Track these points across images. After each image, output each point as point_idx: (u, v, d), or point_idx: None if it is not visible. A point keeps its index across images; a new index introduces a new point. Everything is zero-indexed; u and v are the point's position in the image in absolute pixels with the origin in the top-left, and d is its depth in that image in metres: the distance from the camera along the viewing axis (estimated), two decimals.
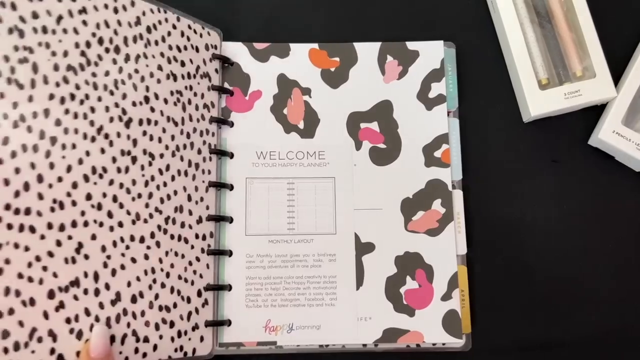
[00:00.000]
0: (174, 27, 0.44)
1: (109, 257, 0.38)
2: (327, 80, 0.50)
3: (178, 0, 0.45)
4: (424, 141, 0.50)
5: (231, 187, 0.46)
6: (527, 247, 0.49)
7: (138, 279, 0.39)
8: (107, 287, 0.37)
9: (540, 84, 0.49)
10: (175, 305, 0.41)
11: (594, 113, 0.50)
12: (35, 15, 0.37)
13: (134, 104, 0.40)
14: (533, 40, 0.49)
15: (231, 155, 0.46)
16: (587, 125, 0.51)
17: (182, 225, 0.42)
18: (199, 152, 0.44)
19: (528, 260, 0.49)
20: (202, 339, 0.42)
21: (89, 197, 0.37)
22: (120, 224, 0.38)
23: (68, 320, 0.35)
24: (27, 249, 0.34)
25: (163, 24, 0.43)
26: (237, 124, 0.47)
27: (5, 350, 0.33)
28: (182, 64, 0.44)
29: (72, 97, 0.37)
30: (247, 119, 0.47)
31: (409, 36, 0.50)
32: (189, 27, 0.45)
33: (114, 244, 0.38)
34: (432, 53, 0.50)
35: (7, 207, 0.34)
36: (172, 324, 0.40)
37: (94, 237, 0.37)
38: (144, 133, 0.41)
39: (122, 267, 0.38)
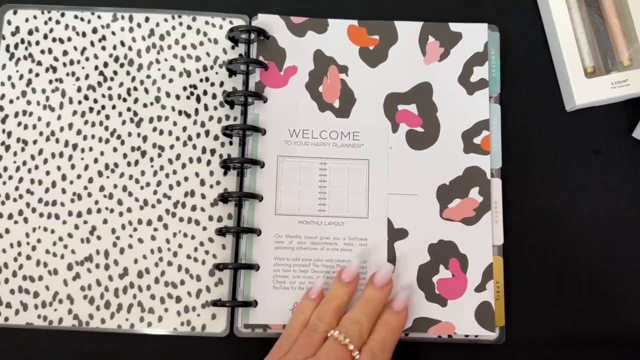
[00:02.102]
0: (189, 27, 0.48)
1: (118, 237, 0.44)
2: (365, 58, 0.48)
3: None
4: (464, 126, 0.47)
5: (262, 165, 0.45)
6: (565, 239, 0.47)
7: (144, 257, 0.44)
8: (116, 263, 0.44)
9: (585, 72, 0.47)
10: (182, 282, 0.44)
11: (638, 104, 0.48)
12: (65, 53, 0.47)
13: (144, 105, 0.46)
14: (580, 27, 0.48)
15: (263, 132, 0.46)
16: (630, 117, 0.48)
17: (193, 208, 0.45)
18: (216, 138, 0.46)
19: (566, 253, 0.47)
20: (214, 316, 0.43)
21: (102, 188, 0.45)
22: (129, 210, 0.45)
23: (82, 288, 0.44)
24: (52, 231, 0.44)
25: (177, 29, 0.47)
26: (271, 100, 0.47)
27: (36, 306, 0.43)
28: (197, 59, 0.47)
29: (91, 110, 0.46)
30: (281, 95, 0.47)
31: (450, 17, 0.49)
32: (207, 22, 0.48)
33: (123, 226, 0.45)
34: (476, 36, 0.48)
35: (40, 200, 0.45)
36: (178, 299, 0.44)
37: (105, 221, 0.45)
38: (154, 129, 0.46)
39: (130, 246, 0.44)
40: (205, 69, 0.48)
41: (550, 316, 0.45)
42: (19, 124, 0.46)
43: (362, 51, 0.47)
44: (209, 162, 0.46)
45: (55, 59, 0.47)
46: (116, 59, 0.47)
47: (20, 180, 0.46)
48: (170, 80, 0.47)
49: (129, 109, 0.47)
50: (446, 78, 0.47)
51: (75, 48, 0.48)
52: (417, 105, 0.47)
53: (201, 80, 0.47)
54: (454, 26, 0.48)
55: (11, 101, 0.47)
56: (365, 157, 0.46)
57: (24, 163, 0.46)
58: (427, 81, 0.47)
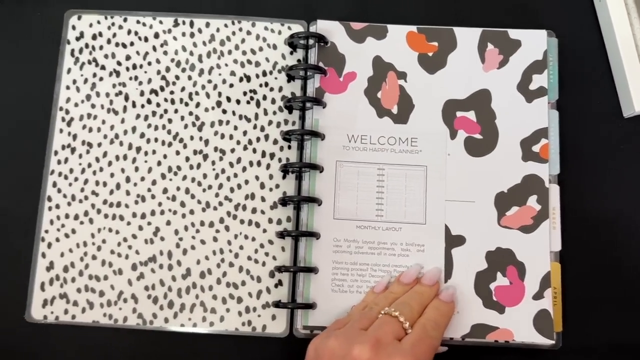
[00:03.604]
0: (249, 33, 0.48)
1: (181, 239, 0.45)
2: (424, 65, 0.48)
3: None
4: (523, 134, 0.47)
5: (321, 169, 0.46)
6: (624, 244, 0.47)
7: (207, 257, 0.45)
8: (179, 263, 0.45)
9: None
10: (243, 283, 0.44)
11: None
12: (128, 58, 0.47)
13: (206, 109, 0.47)
14: None
15: (322, 137, 0.46)
16: None
17: (254, 211, 0.46)
18: (275, 142, 0.46)
19: (625, 260, 0.46)
20: (274, 317, 0.44)
21: (165, 190, 0.46)
22: (192, 212, 0.46)
23: (146, 288, 0.45)
24: (117, 232, 0.45)
25: (237, 34, 0.48)
26: (330, 105, 0.48)
27: (101, 305, 0.44)
28: (257, 64, 0.48)
29: (154, 113, 0.47)
30: (340, 101, 0.47)
31: (507, 23, 0.49)
32: (266, 28, 0.48)
33: (185, 228, 0.45)
34: (535, 43, 0.48)
35: (105, 202, 0.46)
36: (239, 300, 0.44)
37: (168, 222, 0.45)
38: (216, 133, 0.47)
39: (192, 247, 0.45)
40: (264, 74, 0.48)
41: (607, 322, 0.45)
42: (84, 126, 0.47)
43: (421, 57, 0.48)
44: (268, 166, 0.47)
45: (119, 63, 0.48)
46: (178, 64, 0.48)
47: (86, 182, 0.46)
48: (231, 85, 0.48)
49: (190, 113, 0.47)
50: (505, 85, 0.47)
51: (137, 53, 0.48)
52: (475, 112, 0.47)
53: (261, 85, 0.48)
54: (513, 33, 0.48)
55: (76, 104, 0.48)
56: (423, 164, 0.47)
57: (89, 165, 0.47)
58: (486, 88, 0.48)
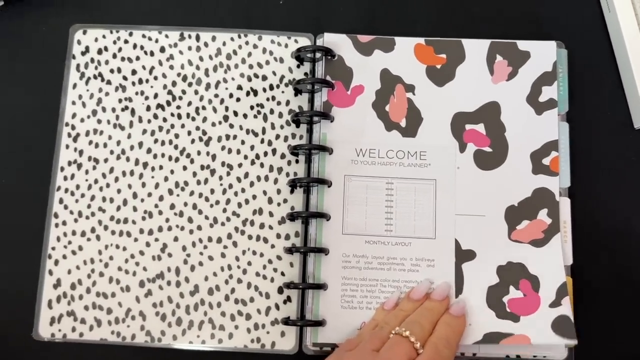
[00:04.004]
0: (255, 46, 0.48)
1: (188, 255, 0.45)
2: (432, 77, 0.48)
3: (270, 3, 0.50)
4: (533, 147, 0.47)
5: (330, 184, 0.45)
6: (637, 259, 0.46)
7: (215, 274, 0.45)
8: (187, 280, 0.44)
9: None
10: (252, 300, 0.44)
11: None
12: (134, 72, 0.47)
13: (213, 124, 0.46)
14: None
15: (330, 151, 0.45)
16: None
17: (262, 226, 0.45)
18: (282, 156, 0.45)
19: (638, 272, 0.46)
20: (283, 334, 0.44)
21: (172, 206, 0.45)
22: (199, 227, 0.45)
23: (154, 305, 0.45)
24: (124, 248, 0.45)
25: (243, 47, 0.48)
26: (338, 119, 0.47)
27: (109, 322, 0.44)
28: (264, 78, 0.47)
29: (160, 128, 0.46)
30: (348, 115, 0.47)
31: (516, 34, 0.49)
32: (272, 41, 0.48)
33: (193, 244, 0.45)
34: (544, 54, 0.48)
35: (112, 218, 0.45)
36: (248, 317, 0.44)
37: (176, 239, 0.45)
38: (223, 147, 0.46)
39: (200, 263, 0.45)
40: (271, 87, 0.48)
41: (621, 337, 0.45)
42: (90, 142, 0.47)
43: (429, 70, 0.48)
44: (276, 180, 0.46)
45: (125, 78, 0.48)
46: (184, 78, 0.48)
47: (92, 198, 0.46)
48: (238, 99, 0.47)
49: (197, 128, 0.47)
50: (514, 98, 0.47)
51: (143, 67, 0.48)
52: (485, 125, 0.47)
53: (267, 99, 0.47)
54: (522, 44, 0.48)
55: (82, 120, 0.47)
56: (433, 177, 0.46)
57: (96, 181, 0.46)
58: (495, 101, 0.47)
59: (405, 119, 0.47)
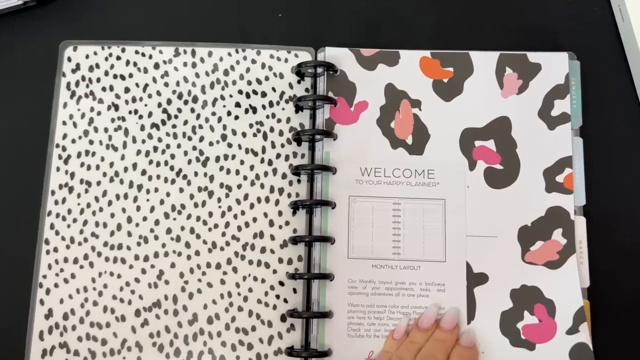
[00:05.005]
0: (254, 61, 0.46)
1: (186, 282, 0.43)
2: (439, 92, 0.46)
3: (269, 16, 0.48)
4: (545, 164, 0.45)
5: (334, 205, 0.43)
6: None
7: (214, 302, 0.42)
8: (185, 308, 0.42)
9: None
10: (253, 329, 0.42)
11: None
12: (127, 90, 0.45)
13: (210, 144, 0.44)
14: None
15: (334, 171, 0.43)
16: None
17: (263, 250, 0.43)
18: (284, 176, 0.43)
19: None
20: None
21: (169, 231, 0.43)
22: (197, 253, 0.43)
23: (151, 335, 0.42)
24: (119, 276, 0.43)
25: (241, 63, 0.45)
26: (341, 137, 0.45)
27: (104, 354, 0.41)
28: (263, 94, 0.45)
29: (155, 149, 0.44)
30: (352, 132, 0.45)
31: (526, 45, 0.47)
32: (271, 56, 0.46)
33: (191, 270, 0.43)
34: (556, 66, 0.46)
35: (105, 244, 0.43)
36: (250, 346, 0.41)
37: (173, 265, 0.43)
38: (221, 168, 0.44)
39: (199, 291, 0.42)
40: (271, 104, 0.45)
41: None
42: (82, 164, 0.45)
43: (436, 84, 0.46)
44: (277, 202, 0.44)
45: (117, 97, 0.46)
46: (180, 96, 0.45)
47: (85, 223, 0.44)
48: (236, 117, 0.45)
49: (194, 148, 0.45)
50: (526, 112, 0.45)
51: (137, 85, 0.46)
52: (495, 141, 0.45)
53: (267, 117, 0.45)
54: (533, 56, 0.46)
55: (73, 141, 0.45)
56: (441, 197, 0.44)
57: (88, 205, 0.44)
58: (506, 115, 0.45)
59: (411, 135, 0.45)
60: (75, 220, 0.44)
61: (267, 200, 0.45)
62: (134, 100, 0.46)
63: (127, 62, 0.46)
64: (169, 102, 0.46)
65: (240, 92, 0.46)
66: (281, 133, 0.46)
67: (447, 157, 0.45)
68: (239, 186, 0.45)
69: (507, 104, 0.45)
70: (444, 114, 0.45)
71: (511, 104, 0.45)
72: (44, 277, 0.43)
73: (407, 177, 0.44)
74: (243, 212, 0.44)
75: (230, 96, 0.46)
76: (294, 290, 0.43)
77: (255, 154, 0.45)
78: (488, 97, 0.45)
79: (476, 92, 0.45)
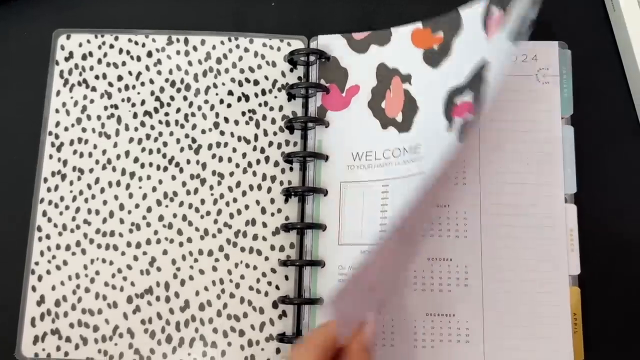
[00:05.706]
0: (246, 50, 0.45)
1: (178, 269, 0.42)
2: (428, 61, 0.44)
3: (262, 5, 0.48)
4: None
5: (325, 192, 0.43)
6: None
7: (206, 288, 0.42)
8: (177, 295, 0.42)
9: None
10: (245, 315, 0.42)
11: None
12: (120, 78, 0.44)
13: (203, 131, 0.44)
14: None
15: (326, 158, 0.43)
16: None
17: (255, 237, 0.43)
18: (276, 164, 0.43)
19: None
20: (278, 350, 0.41)
21: (161, 218, 0.43)
22: (189, 240, 0.43)
23: (143, 322, 0.42)
24: (111, 263, 0.43)
25: (234, 51, 0.45)
26: (333, 124, 0.45)
27: (96, 340, 0.41)
28: (256, 82, 0.45)
29: (148, 137, 0.44)
30: (343, 118, 0.45)
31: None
32: (264, 45, 0.46)
33: (183, 257, 0.43)
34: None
35: (98, 230, 0.43)
36: (241, 333, 0.41)
37: (165, 252, 0.43)
38: (213, 156, 0.44)
39: (191, 277, 0.42)
40: (263, 92, 0.45)
41: (633, 349, 0.43)
42: (75, 152, 0.45)
43: (426, 54, 0.44)
44: (269, 190, 0.44)
45: (110, 85, 0.46)
46: (172, 84, 0.45)
47: (77, 210, 0.44)
48: (229, 105, 0.45)
49: (187, 136, 0.45)
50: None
51: (130, 73, 0.46)
52: (473, 98, 0.40)
53: (260, 105, 0.45)
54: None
55: (66, 129, 0.45)
56: (426, 170, 0.42)
57: (81, 192, 0.44)
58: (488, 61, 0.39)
59: (401, 113, 0.44)
60: (67, 208, 0.44)
61: (260, 187, 0.45)
62: (126, 88, 0.46)
63: (120, 51, 0.46)
64: (161, 90, 0.46)
65: (232, 80, 0.46)
66: (273, 121, 0.46)
67: (432, 125, 0.43)
68: (231, 174, 0.45)
69: (490, 48, 0.40)
70: (431, 82, 0.43)
71: (494, 46, 0.39)
72: (36, 264, 0.43)
73: (396, 156, 0.43)
74: (235, 200, 0.44)
75: (223, 84, 0.46)
76: (286, 277, 0.44)
77: (248, 141, 0.45)
78: (473, 45, 0.41)
79: (463, 49, 0.42)
